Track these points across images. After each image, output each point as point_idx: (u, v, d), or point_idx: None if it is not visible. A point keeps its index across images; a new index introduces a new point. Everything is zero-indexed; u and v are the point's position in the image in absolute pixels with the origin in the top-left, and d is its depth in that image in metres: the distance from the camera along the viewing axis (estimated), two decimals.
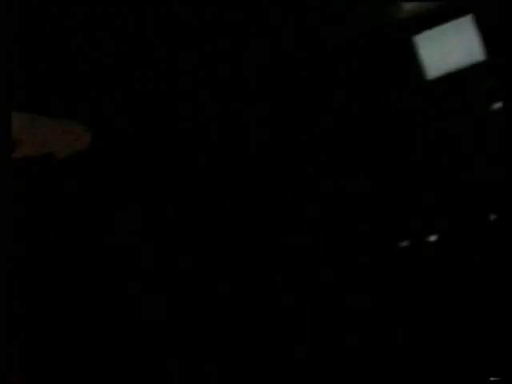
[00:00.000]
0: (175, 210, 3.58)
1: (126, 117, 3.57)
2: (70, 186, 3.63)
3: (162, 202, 3.60)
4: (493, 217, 3.39)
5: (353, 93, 3.41)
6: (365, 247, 3.48)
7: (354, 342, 3.47)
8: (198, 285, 3.58)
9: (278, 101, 3.53)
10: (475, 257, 3.42)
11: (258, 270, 3.56)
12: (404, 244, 3.48)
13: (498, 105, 3.26)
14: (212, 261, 3.59)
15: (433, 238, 3.46)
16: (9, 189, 2.30)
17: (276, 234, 3.54)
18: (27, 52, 3.42)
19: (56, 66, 3.50)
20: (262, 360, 3.54)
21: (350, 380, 3.48)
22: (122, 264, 3.60)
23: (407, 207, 3.46)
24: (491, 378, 3.32)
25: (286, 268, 3.54)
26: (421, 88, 3.39)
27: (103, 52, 3.52)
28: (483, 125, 3.34)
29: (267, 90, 3.51)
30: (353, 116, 3.44)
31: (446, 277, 3.44)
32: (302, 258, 3.52)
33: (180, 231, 3.61)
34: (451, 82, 3.36)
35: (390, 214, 3.48)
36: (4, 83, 2.33)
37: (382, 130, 3.43)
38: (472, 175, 3.39)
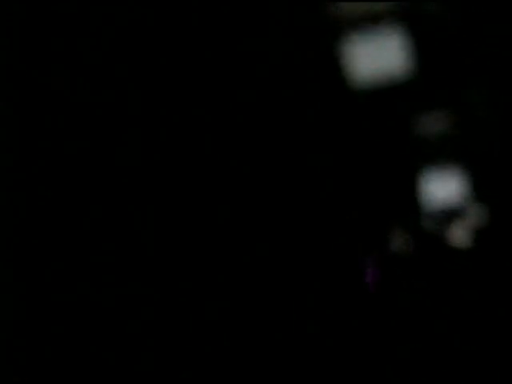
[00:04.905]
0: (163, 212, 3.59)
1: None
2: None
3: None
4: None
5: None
6: (359, 248, 3.49)
7: (351, 343, 3.48)
8: (196, 284, 3.59)
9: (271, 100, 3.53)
10: (473, 256, 3.43)
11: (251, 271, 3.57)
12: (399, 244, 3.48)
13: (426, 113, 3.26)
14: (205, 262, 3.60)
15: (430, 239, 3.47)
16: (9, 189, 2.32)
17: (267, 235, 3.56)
18: None
19: None
20: (261, 360, 3.55)
21: (349, 380, 3.48)
22: (121, 263, 3.61)
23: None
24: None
25: (280, 268, 3.55)
26: (349, 94, 3.36)
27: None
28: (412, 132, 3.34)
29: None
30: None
31: (444, 277, 3.45)
32: (296, 259, 3.53)
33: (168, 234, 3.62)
34: (381, 89, 3.33)
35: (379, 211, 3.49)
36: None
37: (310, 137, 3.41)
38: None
